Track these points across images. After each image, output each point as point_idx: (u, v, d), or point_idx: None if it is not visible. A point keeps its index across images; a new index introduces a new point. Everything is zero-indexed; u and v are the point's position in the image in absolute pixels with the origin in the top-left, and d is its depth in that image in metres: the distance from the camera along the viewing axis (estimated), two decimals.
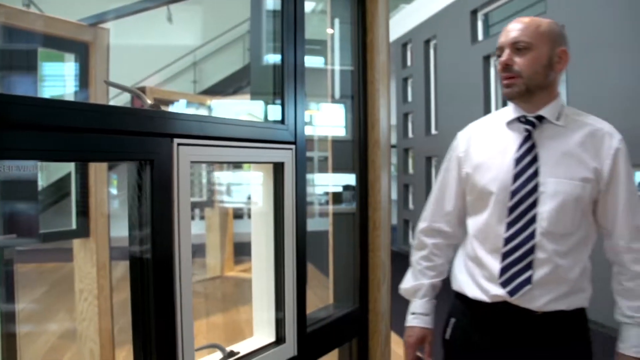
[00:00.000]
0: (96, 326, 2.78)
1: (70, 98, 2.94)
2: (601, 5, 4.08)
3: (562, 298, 1.36)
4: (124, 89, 1.08)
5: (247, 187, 7.51)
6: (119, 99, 5.02)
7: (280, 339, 1.49)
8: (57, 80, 3.06)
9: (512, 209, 1.37)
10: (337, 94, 2.15)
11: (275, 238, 1.50)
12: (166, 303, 1.11)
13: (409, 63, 8.07)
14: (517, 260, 1.35)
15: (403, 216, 8.24)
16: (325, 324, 1.71)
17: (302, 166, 1.55)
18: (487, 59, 5.85)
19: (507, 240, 1.37)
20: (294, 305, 1.51)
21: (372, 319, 1.94)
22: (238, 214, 7.31)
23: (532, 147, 1.38)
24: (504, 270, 1.37)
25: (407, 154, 8.18)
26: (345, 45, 2.03)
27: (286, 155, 1.48)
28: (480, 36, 6.06)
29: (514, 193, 1.37)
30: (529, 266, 1.34)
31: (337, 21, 2.13)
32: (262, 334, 1.52)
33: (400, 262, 7.14)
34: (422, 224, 1.66)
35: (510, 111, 1.48)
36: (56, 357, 3.12)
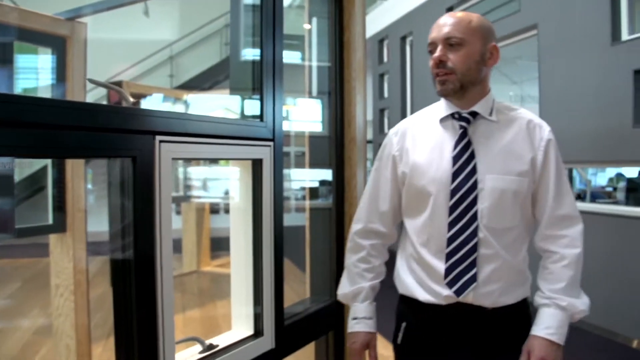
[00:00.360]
0: (72, 322, 2.77)
1: (47, 91, 2.92)
2: (573, 5, 4.18)
3: (510, 291, 1.38)
4: (106, 86, 1.10)
5: (224, 182, 7.50)
6: (94, 93, 4.97)
7: (258, 332, 1.53)
8: (33, 73, 3.04)
9: (452, 208, 1.36)
10: (315, 90, 2.18)
11: (254, 233, 1.53)
12: (148, 296, 1.14)
13: (385, 59, 8.14)
14: (461, 259, 1.34)
15: None
16: (302, 317, 1.75)
17: (280, 162, 1.58)
18: None
19: (450, 240, 1.36)
20: (272, 299, 1.54)
21: (348, 313, 1.99)
22: (214, 209, 7.30)
23: (469, 144, 1.37)
24: (448, 271, 1.36)
25: None
26: (323, 41, 2.06)
27: (265, 152, 1.51)
28: None
29: (453, 192, 1.36)
30: (473, 264, 1.34)
31: (314, 19, 2.16)
32: (241, 327, 1.55)
33: None
34: (356, 226, 1.59)
35: (443, 107, 1.46)
36: (31, 353, 3.10)
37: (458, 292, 1.35)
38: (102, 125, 1.02)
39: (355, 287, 1.56)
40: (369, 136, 11.08)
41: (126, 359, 1.15)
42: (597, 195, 6.26)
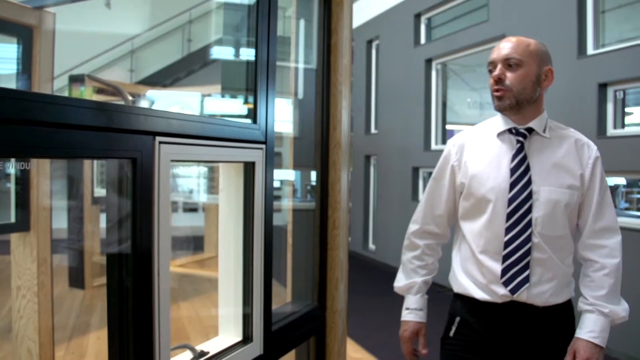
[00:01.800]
0: (35, 324, 2.65)
1: (11, 81, 2.80)
2: (541, 17, 4.29)
3: (558, 292, 1.51)
4: (106, 83, 1.05)
5: (186, 180, 7.36)
6: (55, 84, 4.78)
7: (247, 338, 1.49)
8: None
9: (509, 215, 1.49)
10: (300, 92, 2.17)
11: (245, 236, 1.50)
12: (145, 299, 1.09)
13: None
14: (516, 261, 1.48)
15: None
16: (289, 322, 1.73)
17: (271, 165, 1.55)
18: (429, 62, 6.01)
19: (507, 244, 1.49)
20: (261, 303, 1.51)
21: (330, 317, 1.98)
22: (173, 208, 7.16)
23: (525, 158, 1.51)
24: (505, 271, 1.49)
25: None
26: (310, 44, 2.04)
27: (257, 155, 1.48)
28: (422, 39, 6.22)
29: (511, 200, 1.49)
30: (526, 267, 1.48)
31: (301, 21, 2.14)
32: (228, 332, 1.52)
33: None
34: (413, 227, 1.72)
35: (500, 123, 1.58)
36: None
37: (513, 291, 1.48)
38: (104, 125, 0.98)
39: (409, 281, 1.70)
40: None
41: None
42: None
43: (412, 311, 1.67)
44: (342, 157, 1.97)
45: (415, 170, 6.19)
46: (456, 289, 1.64)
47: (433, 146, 6.03)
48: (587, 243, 1.52)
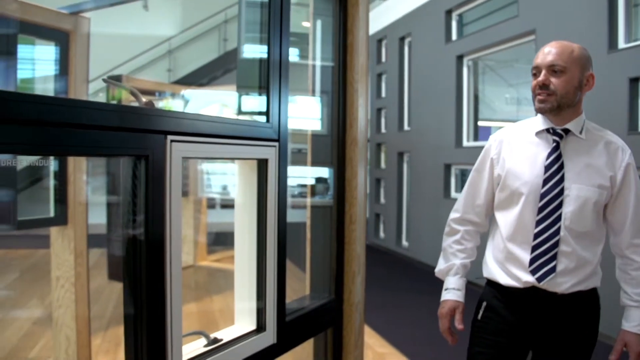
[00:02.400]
0: (73, 313, 2.80)
1: (50, 83, 2.95)
2: (571, 11, 4.22)
3: (581, 283, 1.60)
4: (120, 86, 1.14)
5: (221, 177, 7.52)
6: (92, 85, 4.98)
7: (260, 327, 1.57)
8: (36, 64, 3.06)
9: (541, 209, 1.59)
10: (317, 89, 2.22)
11: (258, 231, 1.57)
12: (157, 290, 1.17)
13: (383, 59, 8.17)
14: (545, 252, 1.59)
15: (375, 210, 8.36)
16: (303, 313, 1.79)
17: (285, 162, 1.62)
18: (460, 58, 5.97)
19: (537, 235, 1.59)
20: (275, 295, 1.58)
21: (347, 310, 2.03)
22: (211, 204, 7.33)
23: (560, 156, 1.60)
24: (533, 260, 1.60)
25: (380, 148, 8.29)
26: (327, 41, 2.09)
27: (270, 152, 1.55)
28: (454, 36, 6.18)
29: (543, 195, 1.59)
30: (554, 257, 1.58)
31: (319, 20, 2.19)
32: (243, 322, 1.59)
33: (372, 256, 7.24)
34: (454, 215, 1.83)
35: (540, 122, 1.67)
36: (31, 344, 3.13)
37: (539, 279, 1.59)
38: (117, 125, 1.06)
39: (448, 263, 1.80)
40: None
41: (135, 351, 1.19)
42: None
43: (451, 290, 1.76)
44: (358, 153, 2.01)
45: (447, 167, 6.16)
46: (485, 274, 1.76)
47: (465, 143, 5.99)
48: (629, 242, 1.61)
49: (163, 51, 8.99)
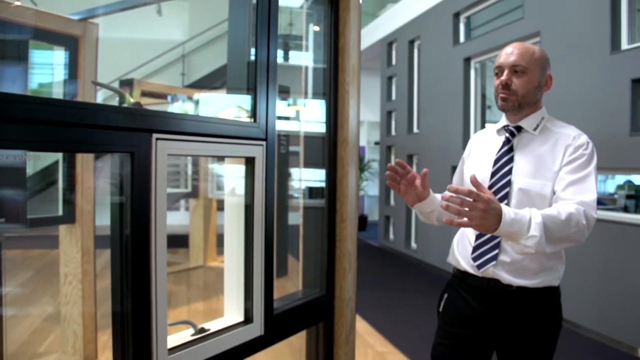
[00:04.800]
0: (80, 309, 2.90)
1: (59, 87, 3.06)
2: (575, 13, 4.23)
3: (529, 276, 1.60)
4: (109, 88, 1.21)
5: (230, 179, 7.61)
6: (105, 90, 5.09)
7: (248, 319, 1.63)
8: (47, 69, 3.17)
9: None
10: (310, 91, 2.29)
11: (246, 226, 1.64)
12: (142, 281, 1.25)
13: (394, 62, 8.22)
14: (487, 241, 1.64)
15: (384, 212, 8.40)
16: (292, 307, 1.85)
17: (272, 161, 1.68)
18: (467, 60, 6.00)
19: None
20: (262, 288, 1.65)
21: (338, 305, 2.09)
22: (221, 206, 7.41)
23: (510, 151, 1.66)
24: (475, 249, 1.66)
25: (390, 151, 8.33)
26: (320, 44, 2.15)
27: (257, 151, 1.62)
28: (462, 38, 6.21)
29: (489, 187, 1.63)
30: (496, 247, 1.61)
31: (310, 25, 2.26)
32: (232, 314, 1.66)
33: (381, 257, 7.26)
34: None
35: (503, 120, 1.74)
36: (40, 339, 3.23)
37: (479, 267, 1.64)
38: (103, 123, 1.14)
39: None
40: (377, 138, 11.15)
41: (121, 338, 1.26)
42: (601, 201, 6.30)
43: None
44: (349, 153, 2.07)
45: (454, 170, 6.18)
46: (449, 258, 1.82)
47: None
48: (558, 196, 1.54)
49: (177, 55, 9.11)
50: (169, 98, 5.63)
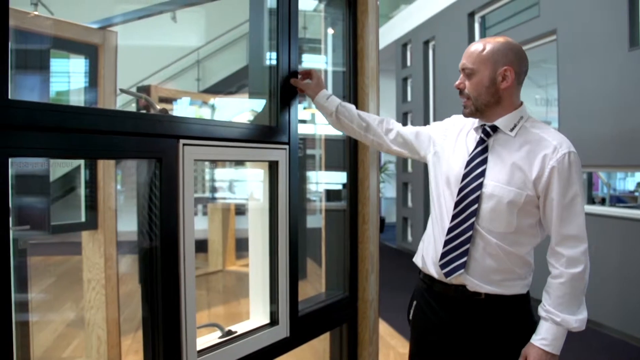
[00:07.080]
0: (103, 314, 2.93)
1: (80, 94, 3.10)
2: (591, 10, 4.20)
3: (496, 284, 1.50)
4: (136, 95, 1.23)
5: (249, 184, 7.64)
6: (123, 96, 5.15)
7: (274, 322, 1.65)
8: (66, 77, 3.22)
9: (457, 203, 1.52)
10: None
11: (270, 230, 1.65)
12: (172, 284, 1.26)
13: (408, 63, 8.20)
14: (455, 247, 1.51)
15: (402, 214, 8.36)
16: (316, 309, 1.86)
17: (295, 164, 1.69)
18: None
19: (450, 230, 1.52)
20: (287, 291, 1.66)
21: (361, 307, 2.09)
22: (240, 211, 7.45)
23: (484, 151, 1.53)
24: (443, 255, 1.53)
25: None
26: (339, 47, 2.17)
27: (280, 155, 1.63)
28: (477, 38, 6.18)
29: (460, 190, 1.52)
30: (464, 254, 1.50)
31: (329, 29, 2.27)
32: (258, 317, 1.67)
33: (400, 259, 7.23)
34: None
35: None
36: (65, 344, 3.27)
37: (447, 274, 1.52)
38: (132, 130, 1.16)
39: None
40: None
41: (152, 341, 1.28)
42: (621, 199, 6.23)
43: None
44: (369, 156, 2.08)
45: None
46: (415, 258, 1.72)
47: None
48: (552, 249, 1.48)
49: (192, 61, 9.18)
50: (174, 103, 5.64)
